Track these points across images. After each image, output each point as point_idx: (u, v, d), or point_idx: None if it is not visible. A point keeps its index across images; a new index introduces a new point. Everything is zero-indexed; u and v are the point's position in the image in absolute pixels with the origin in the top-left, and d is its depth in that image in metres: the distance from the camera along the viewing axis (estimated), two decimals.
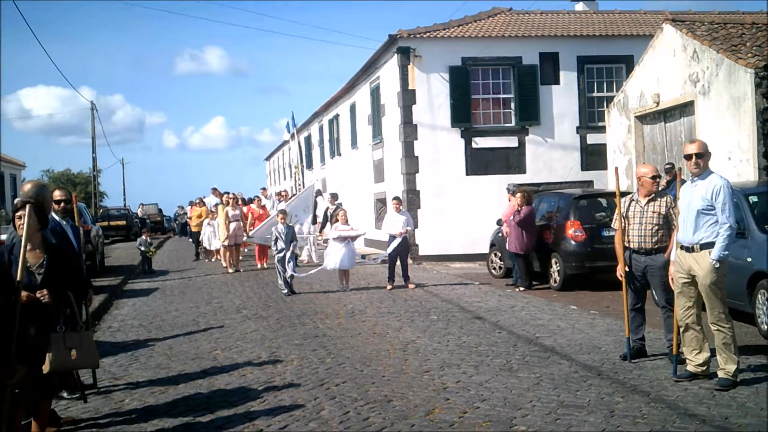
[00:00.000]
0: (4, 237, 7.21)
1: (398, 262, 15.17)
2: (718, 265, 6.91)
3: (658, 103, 16.53)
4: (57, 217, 7.29)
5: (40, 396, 5.67)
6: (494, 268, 16.90)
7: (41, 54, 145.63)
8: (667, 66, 16.11)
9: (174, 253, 24.42)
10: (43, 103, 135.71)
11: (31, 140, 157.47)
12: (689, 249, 7.10)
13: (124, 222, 41.04)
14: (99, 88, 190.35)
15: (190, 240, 24.72)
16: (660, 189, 8.58)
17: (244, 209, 21.13)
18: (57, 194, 7.56)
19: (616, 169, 8.58)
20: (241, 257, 20.57)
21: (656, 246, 7.99)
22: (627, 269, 8.13)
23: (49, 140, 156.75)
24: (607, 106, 19.63)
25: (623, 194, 8.53)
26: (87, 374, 7.69)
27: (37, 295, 5.39)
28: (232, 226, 19.48)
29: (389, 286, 14.87)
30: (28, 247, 5.48)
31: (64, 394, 7.20)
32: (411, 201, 20.47)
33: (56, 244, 6.02)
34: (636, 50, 19.57)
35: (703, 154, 7.12)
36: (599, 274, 14.16)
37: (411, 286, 14.86)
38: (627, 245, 8.14)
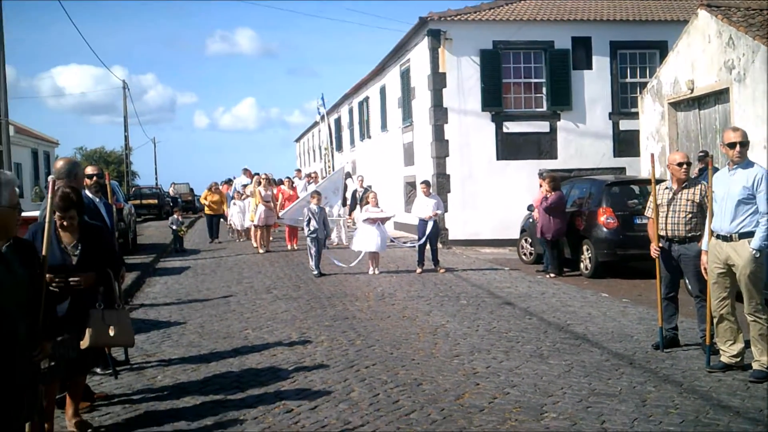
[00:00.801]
0: (37, 213, 7.30)
1: (428, 246, 15.16)
2: (758, 255, 6.82)
3: (692, 90, 16.29)
4: (90, 194, 7.35)
5: (76, 371, 5.75)
6: (525, 254, 16.83)
7: (74, 33, 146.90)
8: (702, 52, 15.86)
9: (205, 232, 24.55)
10: (76, 82, 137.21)
11: (65, 118, 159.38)
12: (726, 238, 7.01)
13: (155, 201, 41.43)
14: (131, 67, 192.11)
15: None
16: (692, 177, 8.47)
17: (275, 190, 21.21)
18: (89, 169, 7.64)
19: (652, 155, 8.45)
20: (271, 238, 20.67)
21: (690, 234, 7.89)
22: (660, 247, 8.02)
23: (82, 119, 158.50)
24: (640, 93, 19.38)
25: (658, 182, 8.43)
26: (119, 350, 7.78)
27: (71, 282, 5.47)
28: (262, 206, 19.56)
29: (419, 270, 14.87)
30: (67, 240, 5.68)
31: (98, 370, 7.29)
32: (441, 185, 20.42)
33: (92, 224, 6.08)
34: (670, 36, 19.28)
35: (746, 143, 7.03)
36: (631, 262, 14.08)
37: (441, 270, 14.85)
38: (660, 234, 8.05)
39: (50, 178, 5.04)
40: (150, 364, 7.98)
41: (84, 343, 5.63)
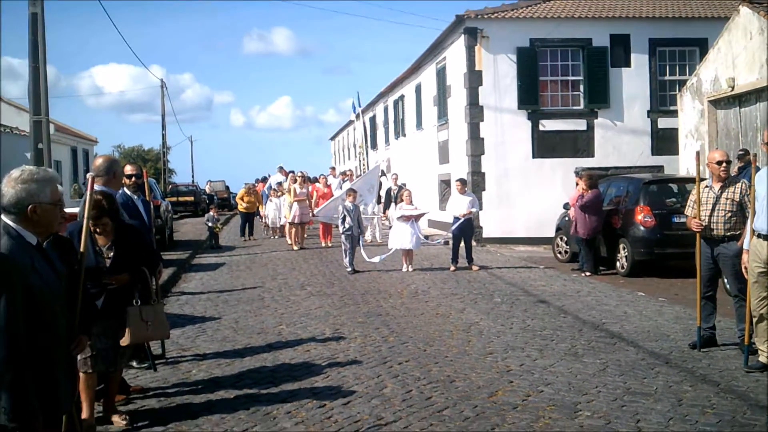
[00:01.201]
0: (76, 210, 7.41)
1: (462, 244, 15.12)
2: None
3: (732, 88, 16.02)
4: (128, 192, 7.44)
5: (113, 365, 5.83)
6: (560, 252, 16.71)
7: (113, 32, 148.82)
8: (743, 49, 15.59)
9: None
10: (115, 81, 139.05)
11: (103, 117, 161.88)
12: None
13: (192, 198, 41.82)
14: (169, 66, 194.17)
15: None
16: (732, 175, 8.33)
17: (309, 188, 21.29)
18: (128, 169, 7.71)
19: (697, 153, 8.33)
20: (306, 235, 20.76)
21: (729, 233, 7.77)
22: (702, 223, 7.88)
23: (120, 117, 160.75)
24: (680, 90, 19.12)
25: (702, 180, 8.30)
26: (156, 344, 7.87)
27: (105, 284, 5.61)
28: (298, 204, 19.64)
29: (452, 268, 14.83)
30: (101, 242, 5.76)
31: (134, 364, 7.38)
32: (476, 183, 20.34)
33: (127, 224, 6.16)
34: (710, 33, 19.00)
35: None
36: (668, 261, 13.90)
37: (475, 268, 14.80)
38: (701, 222, 7.92)
39: (89, 175, 5.08)
40: (185, 358, 8.05)
41: (124, 341, 5.74)
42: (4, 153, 26.53)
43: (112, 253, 5.72)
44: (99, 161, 6.74)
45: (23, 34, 14.35)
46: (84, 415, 5.41)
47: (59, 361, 3.65)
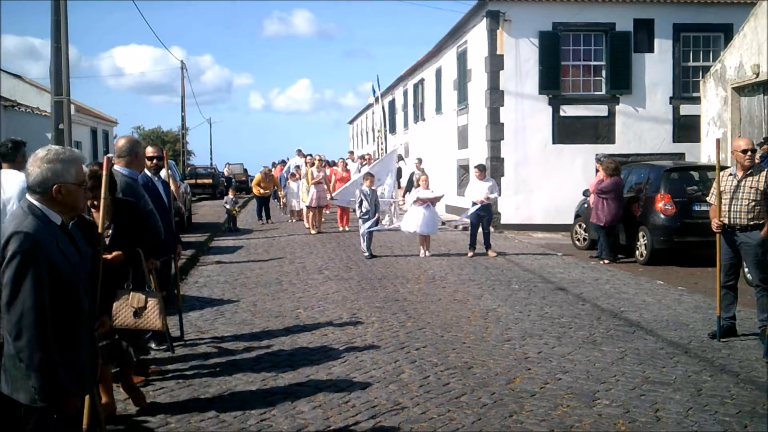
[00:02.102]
0: None
1: (480, 230, 15.07)
2: None
3: (757, 75, 15.81)
4: (149, 173, 7.45)
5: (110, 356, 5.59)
6: (578, 240, 16.62)
7: (134, 13, 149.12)
8: None
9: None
10: (135, 62, 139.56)
11: (123, 98, 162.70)
12: None
13: (210, 180, 41.93)
14: (189, 48, 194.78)
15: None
16: (756, 163, 8.22)
17: (327, 171, 21.29)
18: (149, 151, 7.73)
19: (718, 141, 8.24)
20: (323, 219, 20.78)
21: (752, 222, 7.70)
22: (723, 222, 7.81)
23: (140, 98, 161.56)
24: (703, 77, 18.90)
25: (722, 168, 8.20)
26: (174, 327, 7.91)
27: (108, 257, 5.18)
28: (315, 187, 19.64)
29: (470, 253, 14.78)
30: (93, 211, 5.41)
31: (152, 345, 7.42)
32: (495, 168, 20.24)
33: (125, 200, 5.82)
34: (736, 19, 18.76)
35: None
36: (688, 250, 13.78)
37: (492, 254, 14.75)
38: (721, 221, 7.86)
39: (105, 156, 5.08)
40: (203, 340, 8.09)
41: None
42: (26, 133, 26.74)
43: (110, 231, 5.41)
44: (121, 142, 6.75)
45: (45, 14, 14.40)
46: (104, 400, 5.43)
47: (83, 342, 3.67)
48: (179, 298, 8.35)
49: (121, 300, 5.47)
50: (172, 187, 9.09)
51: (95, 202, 5.32)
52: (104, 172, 4.60)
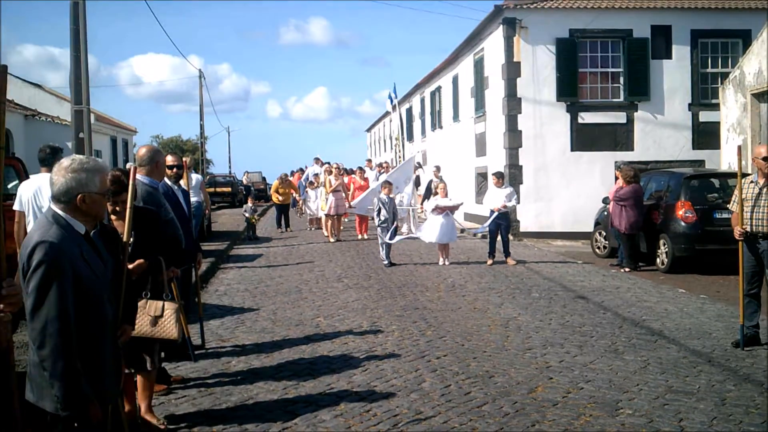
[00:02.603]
0: None
1: (499, 238, 15.03)
2: None
3: None
4: (169, 182, 7.49)
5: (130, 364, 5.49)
6: (598, 248, 16.54)
7: (152, 22, 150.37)
8: None
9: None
10: (154, 71, 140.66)
11: (142, 106, 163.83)
12: None
13: (229, 189, 42.08)
14: (207, 57, 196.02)
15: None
16: None
17: (346, 179, 21.32)
18: (169, 159, 7.76)
19: (739, 148, 8.19)
20: (342, 227, 20.81)
21: None
22: (745, 230, 7.76)
23: (159, 107, 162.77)
24: (722, 83, 18.80)
25: (743, 175, 8.14)
26: (195, 335, 7.93)
27: (131, 266, 5.07)
28: (333, 195, 19.68)
29: (489, 261, 14.75)
30: (114, 218, 5.38)
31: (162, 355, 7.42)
32: (513, 176, 20.20)
33: (145, 209, 5.74)
34: (754, 24, 18.67)
35: None
36: (709, 258, 13.68)
37: (511, 262, 14.70)
38: (744, 229, 7.80)
39: (129, 165, 5.11)
40: (224, 349, 8.11)
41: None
42: (46, 142, 26.94)
43: (131, 240, 5.15)
44: (142, 151, 6.78)
45: (65, 23, 14.56)
46: (126, 408, 5.44)
47: (106, 351, 3.69)
48: (200, 306, 8.39)
49: (138, 308, 5.29)
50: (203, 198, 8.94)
51: (117, 208, 5.32)
52: (131, 182, 4.62)
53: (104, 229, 3.88)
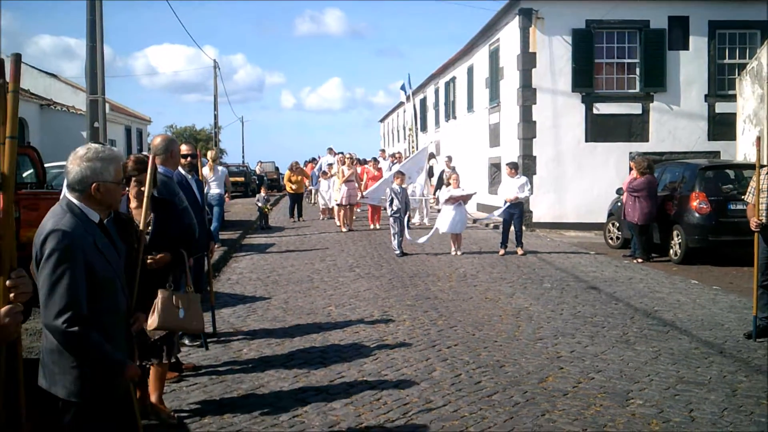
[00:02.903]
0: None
1: (512, 228, 14.99)
2: None
3: None
4: (183, 171, 7.52)
5: (150, 355, 5.56)
6: (611, 239, 16.48)
7: (168, 13, 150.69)
8: None
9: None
10: (169, 61, 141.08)
11: (157, 96, 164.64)
12: None
13: (242, 178, 42.08)
14: (222, 47, 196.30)
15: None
16: None
17: (359, 170, 21.32)
18: (184, 149, 7.79)
19: (758, 138, 8.11)
20: (354, 217, 20.82)
21: None
22: (762, 220, 7.72)
23: (174, 97, 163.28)
24: (739, 74, 18.65)
25: (762, 166, 8.09)
26: (207, 323, 7.95)
27: (148, 260, 5.23)
28: (346, 185, 19.69)
29: (502, 251, 14.72)
30: (134, 205, 5.46)
31: (186, 341, 7.49)
32: (527, 167, 20.13)
33: (162, 198, 5.77)
34: None
35: None
36: (723, 249, 13.61)
37: (519, 251, 14.65)
38: (760, 220, 7.75)
39: (152, 155, 5.12)
40: (236, 337, 8.15)
41: (151, 325, 5.25)
42: (61, 132, 27.14)
43: (150, 227, 5.37)
44: (157, 140, 6.81)
45: (81, 14, 14.61)
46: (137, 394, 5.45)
47: (120, 339, 3.71)
48: (212, 294, 8.42)
49: (166, 300, 5.33)
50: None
51: (142, 189, 5.25)
52: (149, 170, 4.61)
53: (118, 217, 3.89)
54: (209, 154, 16.64)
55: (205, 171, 15.12)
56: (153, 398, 5.63)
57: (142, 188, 5.25)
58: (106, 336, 3.56)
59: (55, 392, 3.51)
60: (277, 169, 53.61)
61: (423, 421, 5.47)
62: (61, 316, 3.33)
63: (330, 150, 26.41)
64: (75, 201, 3.55)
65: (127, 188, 5.47)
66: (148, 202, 4.44)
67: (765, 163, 9.51)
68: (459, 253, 14.71)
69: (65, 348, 3.39)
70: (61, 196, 3.65)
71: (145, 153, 5.58)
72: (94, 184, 3.55)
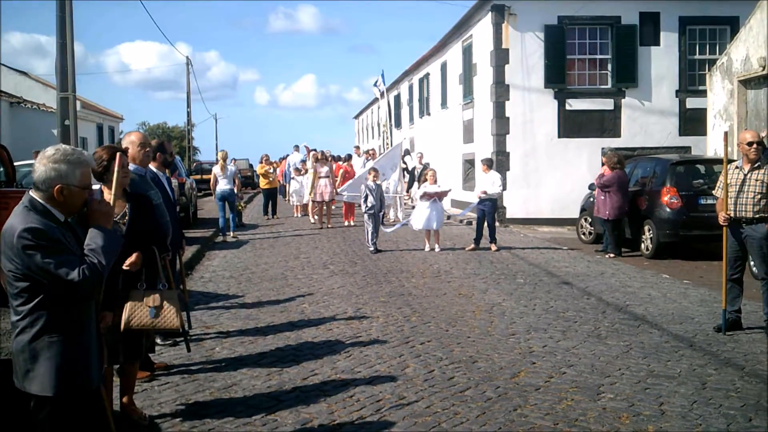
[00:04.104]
0: (97, 187, 7.40)
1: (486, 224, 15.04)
2: None
3: (764, 67, 15.72)
4: (154, 168, 7.44)
5: (126, 357, 5.49)
6: (584, 234, 16.59)
7: (140, 10, 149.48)
8: None
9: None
10: (141, 58, 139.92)
11: (129, 94, 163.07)
12: None
13: None
14: (195, 44, 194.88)
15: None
16: (763, 156, 8.19)
17: (333, 166, 21.27)
18: (153, 143, 7.71)
19: (725, 134, 8.21)
20: (324, 214, 20.76)
21: (757, 215, 7.68)
22: (729, 214, 7.80)
23: (146, 94, 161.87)
24: (709, 70, 18.82)
25: (729, 161, 8.18)
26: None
27: (124, 267, 5.15)
28: (321, 182, 19.64)
29: (471, 246, 14.77)
30: (108, 198, 5.21)
31: (158, 341, 7.43)
32: (500, 163, 20.18)
33: (137, 193, 5.71)
34: (742, 11, 18.64)
35: None
36: (694, 243, 13.76)
37: (493, 247, 14.70)
38: (727, 215, 7.84)
39: (118, 153, 5.06)
40: (209, 335, 8.11)
41: (122, 325, 5.22)
42: (32, 129, 26.84)
43: (126, 219, 5.33)
44: (130, 137, 6.76)
45: (51, 10, 14.44)
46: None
47: (92, 338, 3.71)
48: (185, 293, 8.33)
49: (136, 300, 5.30)
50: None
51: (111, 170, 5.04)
52: (116, 167, 4.53)
53: (83, 216, 3.86)
54: (220, 154, 18.29)
55: (216, 169, 17.58)
56: (124, 399, 5.58)
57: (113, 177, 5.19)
58: (78, 328, 3.56)
59: (29, 389, 3.51)
60: (251, 166, 53.32)
61: (396, 418, 5.47)
62: (73, 278, 3.41)
63: (296, 147, 26.35)
64: (39, 199, 3.54)
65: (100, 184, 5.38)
66: (115, 198, 4.36)
67: (734, 158, 9.62)
68: (437, 248, 14.70)
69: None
70: (25, 194, 3.63)
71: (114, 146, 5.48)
72: (57, 186, 3.53)
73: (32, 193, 3.57)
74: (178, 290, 7.98)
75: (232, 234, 17.68)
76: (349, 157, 23.10)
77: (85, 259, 3.49)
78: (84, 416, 3.66)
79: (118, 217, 5.30)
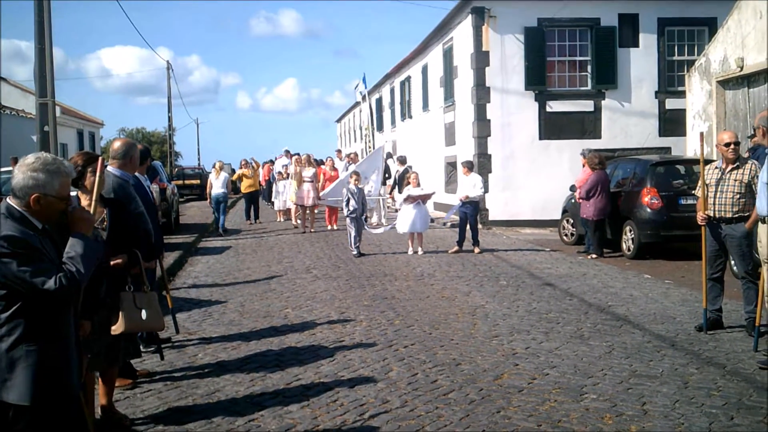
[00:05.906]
0: (73, 194, 7.34)
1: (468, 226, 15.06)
2: None
3: (741, 68, 15.86)
4: (140, 176, 7.40)
5: (108, 361, 5.50)
6: (566, 235, 16.66)
7: (120, 14, 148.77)
8: (753, 29, 15.40)
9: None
10: (122, 63, 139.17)
11: (110, 99, 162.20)
12: None
13: (198, 181, 41.70)
14: (176, 48, 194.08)
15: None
16: (743, 156, 8.28)
17: (315, 170, 21.23)
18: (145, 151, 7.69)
19: (702, 134, 8.25)
20: (307, 217, 20.72)
21: (737, 215, 7.73)
22: (708, 214, 7.86)
23: (127, 99, 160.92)
24: (688, 71, 18.96)
25: (707, 162, 8.24)
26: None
27: (112, 263, 5.25)
28: (305, 186, 19.60)
29: (454, 249, 14.79)
30: (85, 203, 5.18)
31: (141, 347, 7.36)
32: (482, 165, 20.24)
33: (116, 199, 5.76)
34: (720, 12, 18.79)
35: None
36: (675, 244, 13.85)
37: (476, 250, 14.73)
38: (707, 214, 7.90)
39: (100, 157, 5.04)
40: (191, 342, 8.06)
41: (116, 329, 5.33)
42: (10, 136, 26.61)
43: (106, 224, 5.35)
44: (117, 144, 6.73)
45: (30, 15, 14.34)
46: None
47: (70, 344, 3.68)
48: (169, 299, 8.28)
49: (127, 302, 5.39)
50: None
51: (88, 174, 5.22)
52: (98, 173, 4.51)
53: (61, 223, 3.83)
54: (217, 164, 20.64)
55: (212, 177, 20.26)
56: (104, 401, 5.55)
57: (84, 180, 5.24)
58: (57, 336, 3.54)
59: (6, 398, 3.47)
60: (233, 171, 53.17)
61: (379, 422, 5.46)
62: (50, 287, 3.39)
63: (287, 152, 26.29)
64: (16, 207, 3.51)
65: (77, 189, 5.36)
66: (95, 205, 4.31)
67: (713, 158, 9.69)
68: (420, 252, 14.70)
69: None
70: (2, 201, 3.60)
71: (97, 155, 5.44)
72: (34, 195, 3.50)
73: (9, 200, 3.54)
74: (160, 295, 7.99)
75: (220, 230, 19.78)
76: (329, 160, 22.97)
77: (63, 267, 3.47)
78: (64, 424, 3.63)
79: (97, 222, 5.25)
